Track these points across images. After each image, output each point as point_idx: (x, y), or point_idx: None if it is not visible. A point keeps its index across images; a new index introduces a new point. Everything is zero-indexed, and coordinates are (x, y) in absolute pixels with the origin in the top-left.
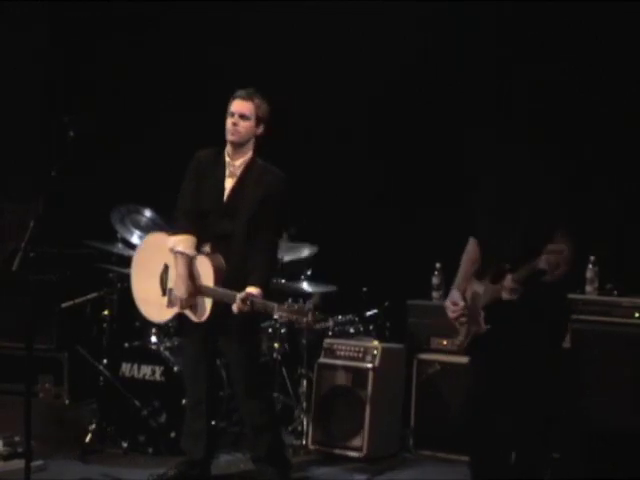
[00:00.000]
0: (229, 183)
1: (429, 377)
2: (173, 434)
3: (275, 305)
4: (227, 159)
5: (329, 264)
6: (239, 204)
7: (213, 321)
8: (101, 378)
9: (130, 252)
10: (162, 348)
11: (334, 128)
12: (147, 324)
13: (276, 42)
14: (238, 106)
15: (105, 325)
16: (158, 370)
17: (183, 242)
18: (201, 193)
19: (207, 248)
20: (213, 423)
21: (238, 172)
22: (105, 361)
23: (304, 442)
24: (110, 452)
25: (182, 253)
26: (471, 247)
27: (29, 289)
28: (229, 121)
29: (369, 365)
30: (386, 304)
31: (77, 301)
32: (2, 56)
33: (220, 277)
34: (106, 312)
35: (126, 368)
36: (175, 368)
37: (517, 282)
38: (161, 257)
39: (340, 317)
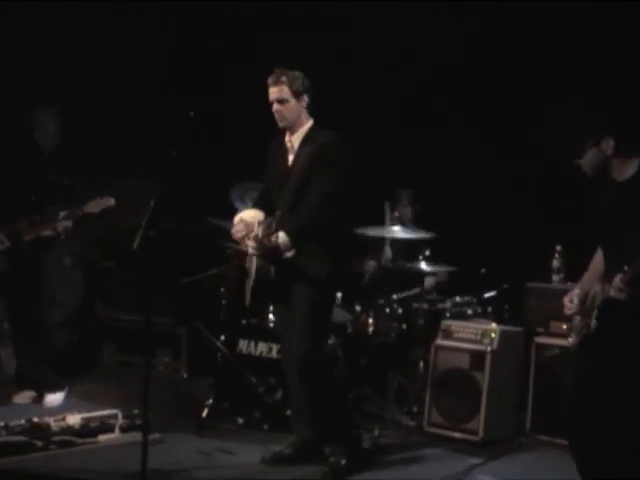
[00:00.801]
0: (290, 158)
1: (547, 361)
2: (289, 412)
3: (259, 229)
4: (287, 138)
5: (448, 245)
6: (294, 173)
7: (278, 294)
8: (218, 354)
9: None
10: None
11: (455, 113)
12: None
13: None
14: (272, 93)
15: (223, 302)
16: (275, 347)
17: (244, 213)
18: (271, 174)
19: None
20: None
21: (296, 146)
22: (223, 337)
23: (419, 423)
24: (225, 427)
25: (240, 219)
26: (599, 250)
27: (149, 265)
28: (273, 108)
29: (487, 348)
30: (505, 286)
31: (196, 277)
32: (125, 32)
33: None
34: (224, 289)
35: (243, 345)
36: None
37: (625, 282)
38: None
39: (458, 298)
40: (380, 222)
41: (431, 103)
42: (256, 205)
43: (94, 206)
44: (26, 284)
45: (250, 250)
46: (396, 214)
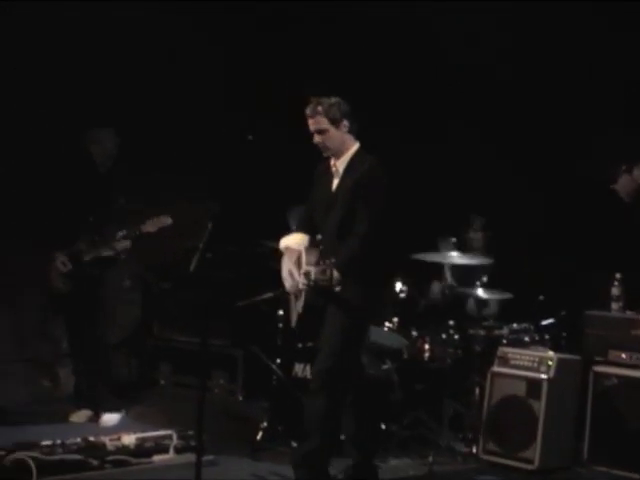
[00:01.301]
0: (335, 182)
1: (606, 390)
2: (343, 436)
3: (312, 269)
4: (332, 161)
5: (506, 271)
6: (339, 198)
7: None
8: (274, 377)
9: None
10: None
11: (518, 142)
12: None
13: None
14: (310, 125)
15: (280, 325)
16: None
17: (290, 238)
18: (316, 198)
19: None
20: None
21: (341, 170)
22: (278, 360)
23: (474, 450)
24: (280, 450)
25: (286, 248)
26: None
27: (206, 287)
28: (314, 139)
29: (544, 376)
30: (563, 313)
31: (253, 300)
32: (182, 52)
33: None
34: (281, 312)
35: (299, 368)
36: None
37: None
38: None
39: (515, 325)
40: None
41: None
42: (300, 228)
43: (151, 225)
44: (86, 304)
45: (301, 285)
46: (454, 239)
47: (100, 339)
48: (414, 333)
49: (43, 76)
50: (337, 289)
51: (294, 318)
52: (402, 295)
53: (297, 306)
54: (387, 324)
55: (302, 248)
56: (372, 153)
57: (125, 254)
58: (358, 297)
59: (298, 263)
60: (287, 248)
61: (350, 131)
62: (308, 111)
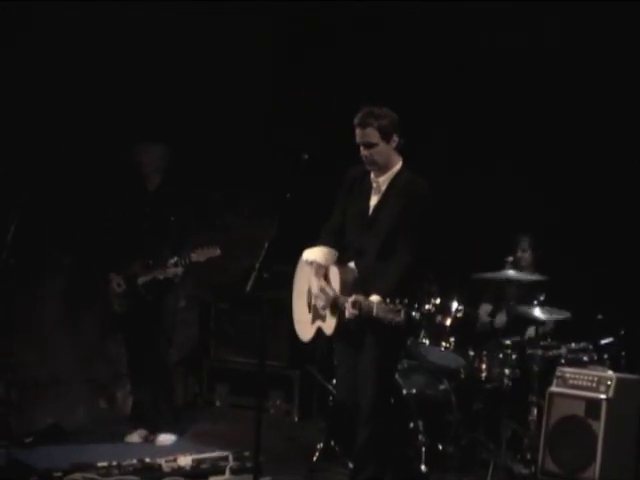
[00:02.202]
0: (374, 200)
1: None
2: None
3: (374, 304)
4: (372, 176)
5: (563, 290)
6: (380, 218)
7: (348, 336)
8: (330, 398)
9: None
10: None
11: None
12: None
13: None
14: (360, 136)
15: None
16: None
17: (316, 252)
18: (348, 210)
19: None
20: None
21: (383, 188)
22: (334, 381)
23: (533, 471)
24: (336, 471)
25: (313, 262)
26: None
27: (263, 307)
28: (361, 152)
29: (603, 395)
30: (622, 332)
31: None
32: (231, 66)
33: (347, 288)
34: None
35: None
36: (404, 391)
37: None
38: (306, 275)
39: (574, 345)
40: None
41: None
42: (326, 240)
43: (200, 255)
44: (144, 325)
45: (348, 314)
46: (511, 258)
47: (162, 360)
48: (471, 353)
49: (95, 91)
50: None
51: (307, 332)
52: (458, 314)
53: (320, 324)
54: (444, 344)
55: (331, 265)
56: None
57: (178, 279)
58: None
59: (326, 280)
60: (314, 262)
61: (397, 147)
62: (358, 120)
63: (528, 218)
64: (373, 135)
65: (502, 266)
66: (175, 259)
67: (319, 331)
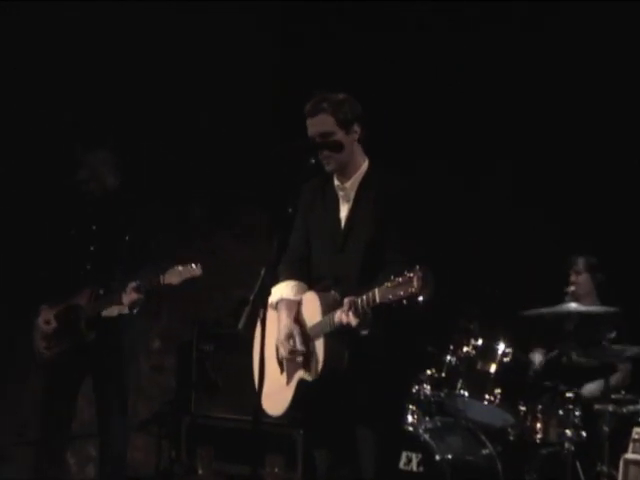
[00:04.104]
0: (343, 212)
1: None
2: None
3: (375, 289)
4: (336, 182)
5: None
6: (355, 232)
7: (337, 381)
8: None
9: None
10: (421, 430)
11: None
12: None
13: None
14: (311, 128)
15: None
16: (415, 458)
17: (281, 289)
18: (312, 231)
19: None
20: None
21: (352, 194)
22: None
23: None
24: None
25: (280, 301)
26: None
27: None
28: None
29: None
30: None
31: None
32: (230, 69)
33: (330, 309)
34: None
35: None
36: (437, 456)
37: None
38: (272, 325)
39: None
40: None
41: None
42: (289, 273)
43: (175, 275)
44: (98, 376)
45: (345, 320)
46: (572, 288)
47: (119, 418)
48: (522, 408)
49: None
50: (363, 333)
51: (282, 400)
52: (505, 359)
53: (301, 375)
54: (487, 396)
55: (303, 297)
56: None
57: (136, 308)
58: (394, 355)
59: (298, 320)
60: (280, 302)
61: (360, 140)
62: (309, 108)
63: (584, 240)
64: (327, 123)
65: (559, 299)
66: (137, 283)
67: (300, 386)
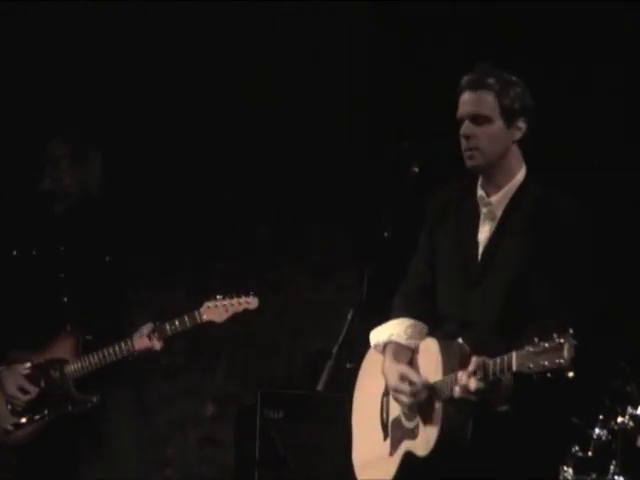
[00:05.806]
0: (484, 233)
1: None
2: None
3: (513, 353)
4: (480, 193)
5: None
6: (498, 263)
7: (455, 460)
8: None
9: None
10: None
11: None
12: None
13: None
14: (464, 106)
15: None
16: None
17: (391, 328)
18: (440, 254)
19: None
20: None
21: (499, 212)
22: None
23: None
24: None
25: (387, 344)
26: None
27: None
28: (461, 141)
29: None
30: None
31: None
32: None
33: (453, 370)
34: None
35: None
36: None
37: None
38: (375, 376)
39: None
40: None
41: None
42: (404, 309)
43: (216, 312)
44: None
45: (463, 391)
46: None
47: None
48: None
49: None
50: (502, 408)
51: (382, 475)
52: None
53: (408, 446)
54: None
55: (422, 341)
56: None
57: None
58: (540, 432)
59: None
60: (388, 344)
61: (520, 144)
62: (469, 79)
63: None
64: (487, 103)
65: None
66: (148, 325)
67: (406, 459)
